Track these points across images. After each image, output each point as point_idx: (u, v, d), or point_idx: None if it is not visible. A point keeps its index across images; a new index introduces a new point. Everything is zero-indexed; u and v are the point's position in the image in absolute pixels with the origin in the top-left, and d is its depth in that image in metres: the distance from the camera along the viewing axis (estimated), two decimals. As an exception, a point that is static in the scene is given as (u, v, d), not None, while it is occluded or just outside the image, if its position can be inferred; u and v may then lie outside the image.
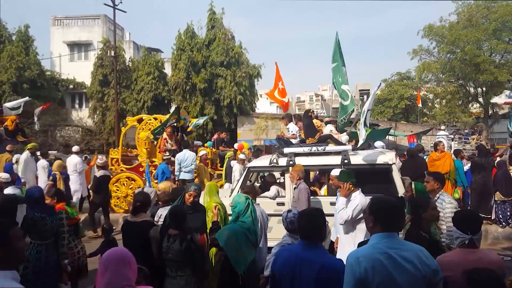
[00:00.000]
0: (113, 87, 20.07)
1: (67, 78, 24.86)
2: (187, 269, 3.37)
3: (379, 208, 2.23)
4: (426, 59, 26.76)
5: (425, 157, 9.51)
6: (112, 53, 20.54)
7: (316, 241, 2.55)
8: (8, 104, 12.91)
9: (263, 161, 6.56)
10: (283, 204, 5.46)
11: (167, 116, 10.36)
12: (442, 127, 21.04)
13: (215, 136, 13.16)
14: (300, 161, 5.65)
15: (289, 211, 3.43)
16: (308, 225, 2.58)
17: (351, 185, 4.24)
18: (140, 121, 10.41)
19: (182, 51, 20.59)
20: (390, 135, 20.27)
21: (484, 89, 25.53)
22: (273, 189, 6.10)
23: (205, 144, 12.13)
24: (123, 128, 11.26)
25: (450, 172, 7.69)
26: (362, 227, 4.00)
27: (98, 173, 8.54)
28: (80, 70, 24.39)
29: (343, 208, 4.18)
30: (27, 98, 13.71)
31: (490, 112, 26.55)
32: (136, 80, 21.77)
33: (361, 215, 3.95)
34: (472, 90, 26.93)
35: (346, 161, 5.44)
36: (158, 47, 27.72)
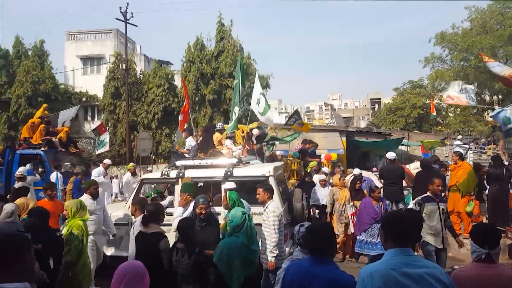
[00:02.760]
0: (125, 100, 20.32)
1: (80, 91, 25.37)
2: (196, 283, 3.31)
3: (388, 222, 2.21)
4: (439, 67, 26.46)
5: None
6: (124, 66, 20.84)
7: (325, 256, 2.48)
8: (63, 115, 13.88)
9: (156, 173, 6.97)
10: (171, 214, 5.49)
11: (249, 125, 10.53)
12: (459, 136, 20.58)
13: (300, 146, 12.16)
14: (190, 173, 5.99)
15: (301, 225, 3.29)
16: (315, 240, 2.52)
17: (189, 196, 4.69)
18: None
19: (192, 63, 20.79)
20: (403, 145, 19.94)
21: (500, 96, 25.01)
22: (168, 199, 6.45)
23: (290, 155, 11.54)
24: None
25: (462, 183, 7.37)
26: None
27: (17, 184, 8.48)
28: (92, 83, 24.86)
29: (178, 216, 4.49)
30: (77, 107, 14.25)
31: (506, 120, 25.90)
32: (147, 92, 22.03)
33: None
34: (487, 98, 26.41)
35: (229, 173, 5.79)
36: (169, 60, 28.07)
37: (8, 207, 4.67)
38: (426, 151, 17.55)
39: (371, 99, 56.40)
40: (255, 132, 10.24)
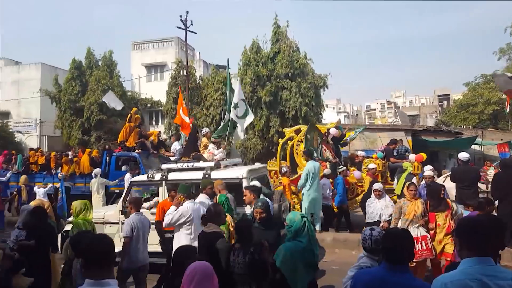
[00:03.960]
0: (186, 104, 21.16)
1: (145, 97, 27.00)
2: (253, 284, 3.36)
3: (464, 229, 2.05)
4: (517, 58, 23.90)
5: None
6: (185, 73, 21.74)
7: (402, 263, 2.35)
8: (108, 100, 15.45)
9: (143, 176, 7.47)
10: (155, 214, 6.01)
11: (328, 125, 10.56)
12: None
13: (384, 147, 11.38)
14: (173, 176, 6.49)
15: (372, 229, 3.12)
16: (395, 246, 2.37)
17: (182, 196, 4.99)
18: (297, 132, 10.16)
19: (248, 66, 21.00)
20: (477, 144, 18.26)
21: None
22: (154, 200, 6.83)
23: (374, 155, 10.85)
24: (280, 140, 11.22)
25: None
26: (185, 232, 4.82)
27: (58, 184, 9.95)
28: (156, 90, 26.31)
29: (169, 214, 4.89)
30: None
31: None
32: (206, 97, 22.75)
33: (181, 220, 4.77)
34: None
35: (207, 176, 6.27)
36: (226, 64, 28.70)
37: (26, 207, 5.44)
38: (502, 150, 15.85)
39: (438, 96, 52.65)
40: (333, 131, 9.81)
